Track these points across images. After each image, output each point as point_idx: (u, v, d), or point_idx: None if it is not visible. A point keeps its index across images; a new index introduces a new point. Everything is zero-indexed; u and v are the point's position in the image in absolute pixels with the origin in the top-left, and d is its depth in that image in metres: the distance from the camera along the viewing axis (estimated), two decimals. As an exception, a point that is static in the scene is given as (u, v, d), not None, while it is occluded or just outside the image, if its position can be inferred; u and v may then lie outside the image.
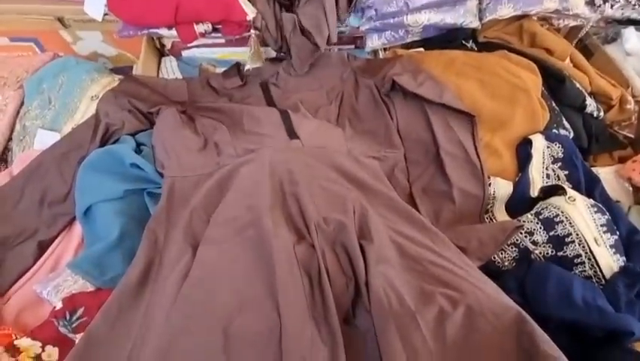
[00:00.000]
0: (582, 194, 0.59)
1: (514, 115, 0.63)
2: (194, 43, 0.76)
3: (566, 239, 0.50)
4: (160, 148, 0.54)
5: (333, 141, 0.58)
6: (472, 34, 0.80)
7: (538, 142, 0.62)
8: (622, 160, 0.76)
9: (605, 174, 0.78)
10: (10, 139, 0.66)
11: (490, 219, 0.59)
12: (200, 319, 0.36)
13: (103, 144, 0.56)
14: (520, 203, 0.59)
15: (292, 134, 0.56)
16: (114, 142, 0.57)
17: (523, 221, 0.52)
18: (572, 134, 0.70)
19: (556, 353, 0.35)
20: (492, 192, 0.58)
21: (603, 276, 0.48)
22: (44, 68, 0.72)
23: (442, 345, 0.36)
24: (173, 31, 0.71)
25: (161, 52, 0.80)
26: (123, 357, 0.36)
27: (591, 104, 0.73)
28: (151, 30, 0.72)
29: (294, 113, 0.61)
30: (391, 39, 0.76)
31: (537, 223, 0.52)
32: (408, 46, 0.80)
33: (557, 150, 0.63)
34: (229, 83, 0.72)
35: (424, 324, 0.37)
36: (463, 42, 0.80)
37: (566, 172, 0.62)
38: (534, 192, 0.59)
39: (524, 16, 0.78)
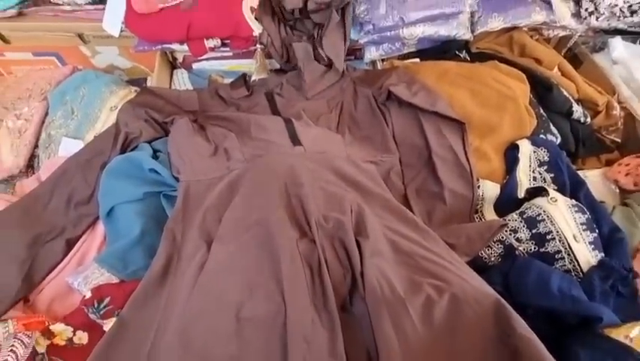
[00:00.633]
0: (567, 195, 0.63)
1: (503, 122, 0.67)
2: (204, 56, 0.81)
3: (547, 236, 0.54)
4: (175, 155, 0.59)
5: (333, 147, 0.63)
6: (465, 45, 0.85)
7: (525, 147, 0.66)
8: (609, 163, 0.80)
9: (593, 176, 0.82)
10: (36, 146, 0.71)
11: (480, 218, 0.63)
12: (215, 304, 0.41)
13: (123, 150, 0.61)
14: (508, 204, 0.63)
15: (295, 140, 0.61)
16: (133, 149, 0.62)
17: (508, 220, 0.56)
18: (559, 139, 0.74)
19: (530, 334, 0.39)
20: (481, 194, 0.63)
21: (581, 270, 0.52)
22: (66, 81, 0.78)
23: (430, 329, 0.41)
24: (185, 46, 0.77)
25: (173, 65, 0.86)
26: (149, 338, 0.41)
27: (578, 111, 0.77)
28: (164, 45, 0.77)
29: (297, 121, 0.66)
30: (388, 51, 0.81)
31: (521, 222, 0.56)
32: (404, 57, 0.85)
33: (543, 154, 0.67)
34: (236, 93, 0.78)
35: (413, 310, 0.42)
36: (457, 53, 0.85)
37: (552, 175, 0.67)
38: (521, 194, 0.63)
39: (514, 28, 0.83)
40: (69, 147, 0.67)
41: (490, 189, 0.63)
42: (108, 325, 0.45)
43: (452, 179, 0.62)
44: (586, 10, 0.80)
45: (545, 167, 0.67)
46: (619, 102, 0.82)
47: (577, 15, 0.82)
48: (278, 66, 0.83)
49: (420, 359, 0.40)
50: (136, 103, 0.67)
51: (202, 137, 0.63)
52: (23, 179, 0.67)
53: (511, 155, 0.67)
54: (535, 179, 0.66)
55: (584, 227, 0.56)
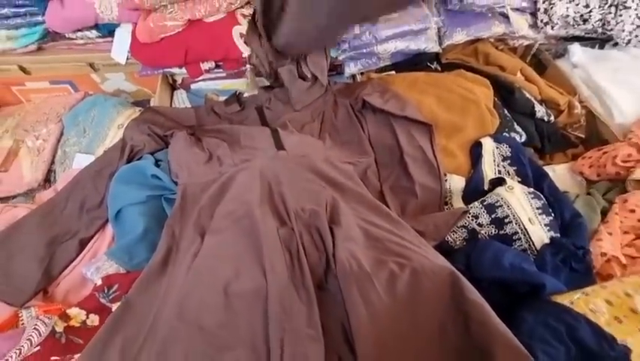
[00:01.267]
0: (530, 186, 0.70)
1: (466, 123, 0.75)
2: (200, 78, 0.91)
3: (505, 220, 0.61)
4: (174, 163, 0.67)
5: (314, 151, 0.70)
6: (436, 56, 0.94)
7: (488, 144, 0.73)
8: (575, 157, 0.86)
9: (560, 170, 0.88)
10: (52, 163, 0.80)
11: (449, 209, 0.69)
12: (206, 283, 0.47)
13: (129, 161, 0.69)
14: (474, 195, 0.69)
15: (280, 146, 0.69)
16: (138, 160, 0.70)
17: (471, 207, 0.63)
18: (523, 137, 0.81)
19: (481, 300, 0.45)
20: (448, 187, 0.70)
21: (536, 249, 0.58)
22: (79, 105, 0.88)
23: (393, 298, 0.47)
24: (183, 70, 0.87)
25: (173, 86, 0.95)
26: (150, 315, 0.47)
27: (540, 110, 0.84)
28: (165, 69, 0.87)
29: (283, 130, 0.74)
30: (366, 65, 0.90)
31: (481, 208, 0.62)
32: (382, 69, 0.94)
33: (506, 150, 0.74)
34: (230, 109, 0.87)
35: (378, 283, 0.48)
36: (429, 64, 0.94)
37: (515, 168, 0.73)
38: (486, 186, 0.70)
39: (479, 40, 0.92)
40: (82, 162, 0.75)
41: (456, 183, 0.70)
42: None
43: (422, 175, 0.69)
44: (541, 21, 0.89)
45: (508, 161, 0.74)
46: (580, 102, 0.89)
47: (534, 26, 0.91)
48: (267, 83, 0.93)
49: (385, 324, 0.46)
50: (140, 120, 0.76)
51: (198, 147, 0.71)
52: (42, 191, 0.75)
53: (475, 151, 0.74)
54: (499, 172, 0.73)
55: (540, 211, 0.62)
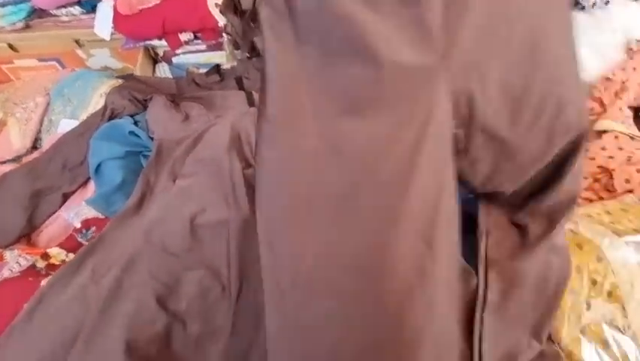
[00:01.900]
0: None
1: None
2: (181, 50, 0.94)
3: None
4: (151, 120, 0.71)
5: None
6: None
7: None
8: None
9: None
10: (39, 131, 0.84)
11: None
12: (174, 215, 0.51)
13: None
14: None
15: (252, 104, 0.73)
16: (118, 121, 0.74)
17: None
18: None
19: None
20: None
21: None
22: (65, 78, 0.92)
23: None
24: (164, 42, 0.90)
25: (155, 59, 0.99)
26: (122, 244, 0.51)
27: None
28: (147, 42, 0.91)
29: (257, 92, 0.78)
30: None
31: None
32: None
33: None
34: (210, 80, 0.90)
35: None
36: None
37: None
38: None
39: None
40: (66, 127, 0.79)
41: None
42: (94, 248, 0.55)
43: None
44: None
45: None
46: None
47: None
48: (247, 55, 0.96)
49: None
50: (122, 86, 0.80)
51: (175, 109, 0.75)
52: (29, 155, 0.79)
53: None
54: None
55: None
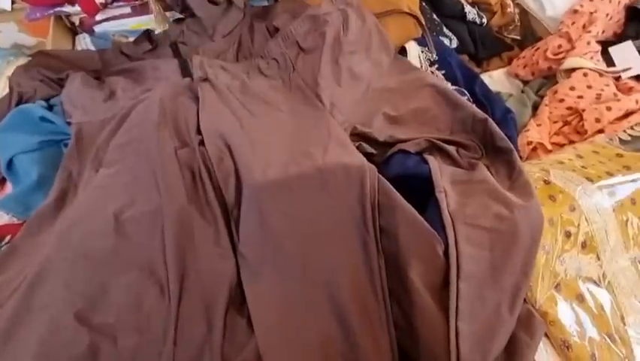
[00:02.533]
0: (461, 87, 0.67)
1: (387, 28, 0.69)
2: (102, 16, 0.81)
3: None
4: (67, 102, 0.60)
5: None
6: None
7: (412, 48, 0.69)
8: (511, 61, 0.83)
9: (498, 75, 0.86)
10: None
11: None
12: (93, 212, 0.43)
13: (18, 109, 0.62)
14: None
15: (186, 74, 0.63)
16: (28, 106, 0.63)
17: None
18: (454, 42, 0.77)
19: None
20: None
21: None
22: (-36, 60, 0.77)
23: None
24: (77, 7, 0.76)
25: (74, 31, 0.85)
26: (39, 256, 0.43)
27: (471, 12, 0.80)
28: (56, 9, 0.77)
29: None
30: (285, -17, 0.82)
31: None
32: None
33: (431, 54, 0.70)
34: (140, 48, 0.78)
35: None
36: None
37: (443, 71, 0.70)
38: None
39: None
40: (-30, 120, 0.67)
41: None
42: (11, 260, 0.47)
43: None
44: None
45: (436, 65, 0.70)
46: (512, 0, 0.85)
47: None
48: (181, 16, 0.84)
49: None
50: (29, 65, 0.67)
51: (97, 87, 0.64)
52: None
53: (401, 57, 0.70)
54: (428, 78, 0.69)
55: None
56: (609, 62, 0.75)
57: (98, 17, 0.81)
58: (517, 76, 0.81)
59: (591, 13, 0.74)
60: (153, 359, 0.36)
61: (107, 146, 0.54)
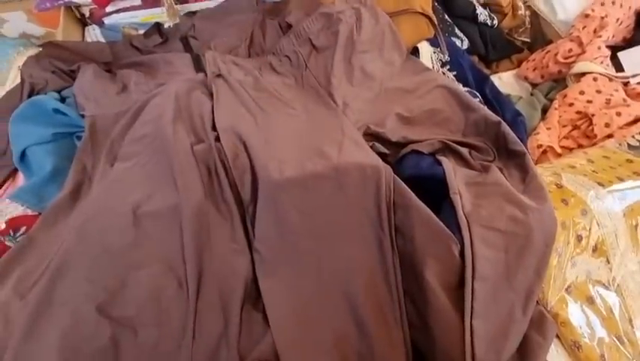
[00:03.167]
0: (473, 89, 0.68)
1: (400, 28, 0.69)
2: (112, 8, 0.80)
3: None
4: (80, 95, 0.60)
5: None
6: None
7: (424, 48, 0.69)
8: (521, 63, 0.84)
9: (507, 77, 0.86)
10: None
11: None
12: (111, 206, 0.43)
13: (30, 100, 0.62)
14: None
15: (199, 70, 0.63)
16: (40, 98, 0.62)
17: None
18: (465, 42, 0.78)
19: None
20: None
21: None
22: (-26, 50, 0.76)
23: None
24: (88, -1, 0.76)
25: (83, 22, 0.84)
26: (56, 248, 0.43)
27: (482, 13, 0.80)
28: (65, 0, 0.76)
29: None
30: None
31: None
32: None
33: (443, 55, 0.70)
34: (151, 41, 0.78)
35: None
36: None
37: (455, 73, 0.70)
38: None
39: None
40: (-20, 110, 0.66)
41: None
42: (26, 251, 0.47)
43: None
44: None
45: (448, 66, 0.70)
46: (524, 2, 0.85)
47: None
48: (193, 9, 0.83)
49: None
50: (40, 55, 0.67)
51: (110, 79, 0.64)
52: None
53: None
54: (439, 78, 0.69)
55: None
56: (618, 66, 0.76)
57: (109, 9, 0.80)
58: (526, 78, 0.81)
59: (602, 17, 0.74)
60: (172, 352, 0.37)
61: (122, 139, 0.54)
